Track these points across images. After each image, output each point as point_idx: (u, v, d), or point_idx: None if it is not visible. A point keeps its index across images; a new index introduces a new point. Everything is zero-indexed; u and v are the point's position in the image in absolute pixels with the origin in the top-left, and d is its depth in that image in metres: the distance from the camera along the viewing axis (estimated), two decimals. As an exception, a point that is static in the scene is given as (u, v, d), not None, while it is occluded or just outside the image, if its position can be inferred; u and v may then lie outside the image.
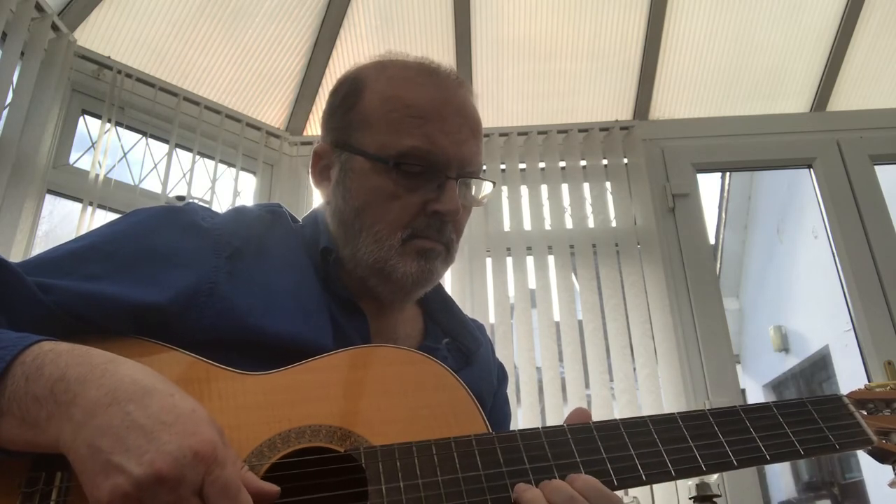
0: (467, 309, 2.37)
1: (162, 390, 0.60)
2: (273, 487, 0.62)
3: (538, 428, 0.72)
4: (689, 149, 2.70)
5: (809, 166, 2.71)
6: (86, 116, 2.26)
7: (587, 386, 2.35)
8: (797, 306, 6.40)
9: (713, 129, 2.76)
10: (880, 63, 2.77)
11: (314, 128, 2.77)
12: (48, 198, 2.10)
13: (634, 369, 2.36)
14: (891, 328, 2.37)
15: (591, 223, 2.60)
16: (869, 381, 0.84)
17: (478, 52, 2.70)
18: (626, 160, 2.67)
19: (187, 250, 0.78)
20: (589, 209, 2.63)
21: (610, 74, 2.77)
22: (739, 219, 7.54)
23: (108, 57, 2.27)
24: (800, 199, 5.96)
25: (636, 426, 0.74)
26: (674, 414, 0.75)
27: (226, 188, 2.48)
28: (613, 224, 2.59)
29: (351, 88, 0.90)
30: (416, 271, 0.84)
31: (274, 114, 2.72)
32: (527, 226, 2.58)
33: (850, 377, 4.82)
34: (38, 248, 2.02)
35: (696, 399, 2.30)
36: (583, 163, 2.67)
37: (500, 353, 2.07)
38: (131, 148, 2.35)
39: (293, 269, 0.85)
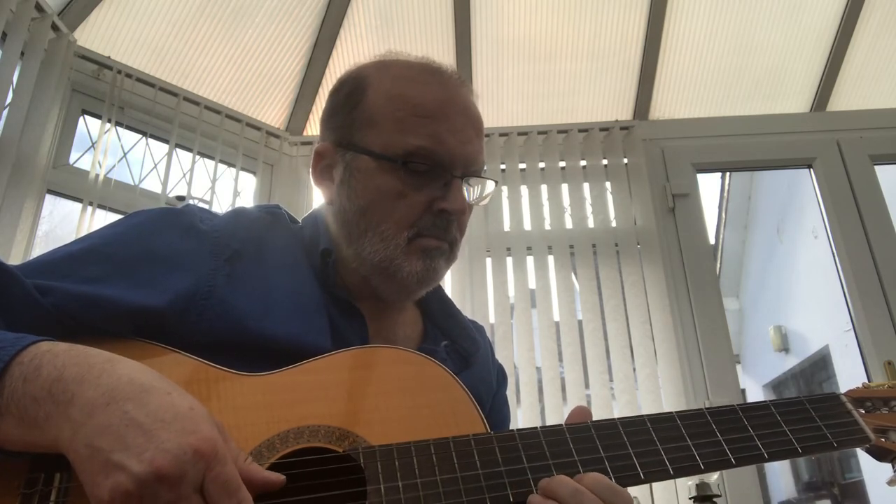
0: (467, 309, 2.37)
1: (160, 388, 0.60)
2: (278, 476, 0.62)
3: (536, 427, 0.73)
4: (689, 149, 2.70)
5: (809, 166, 2.71)
6: (86, 116, 2.26)
7: (587, 386, 2.35)
8: (797, 306, 6.40)
9: (713, 129, 2.76)
10: (880, 63, 2.77)
11: (314, 128, 2.77)
12: (48, 198, 2.10)
13: (634, 369, 2.36)
14: (891, 328, 2.37)
15: (590, 223, 2.60)
16: (869, 381, 0.84)
17: (478, 52, 2.70)
18: (626, 160, 2.67)
19: (186, 253, 0.79)
20: (589, 209, 2.63)
21: (610, 74, 2.77)
22: (739, 219, 7.54)
23: (108, 57, 2.27)
24: (800, 199, 5.96)
25: (634, 425, 0.74)
26: (672, 413, 0.76)
27: (226, 188, 2.49)
28: (613, 224, 2.59)
29: (354, 87, 0.89)
30: (421, 270, 0.84)
31: (274, 114, 2.72)
32: (527, 226, 2.58)
33: (850, 377, 4.81)
34: (38, 248, 2.02)
35: (696, 399, 2.30)
36: (583, 163, 2.67)
37: (500, 354, 2.07)
38: (131, 148, 2.35)
39: (292, 271, 0.85)
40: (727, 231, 7.61)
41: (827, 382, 6.26)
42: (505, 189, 2.63)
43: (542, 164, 2.67)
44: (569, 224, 2.60)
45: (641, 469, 0.70)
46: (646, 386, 2.33)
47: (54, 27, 2.10)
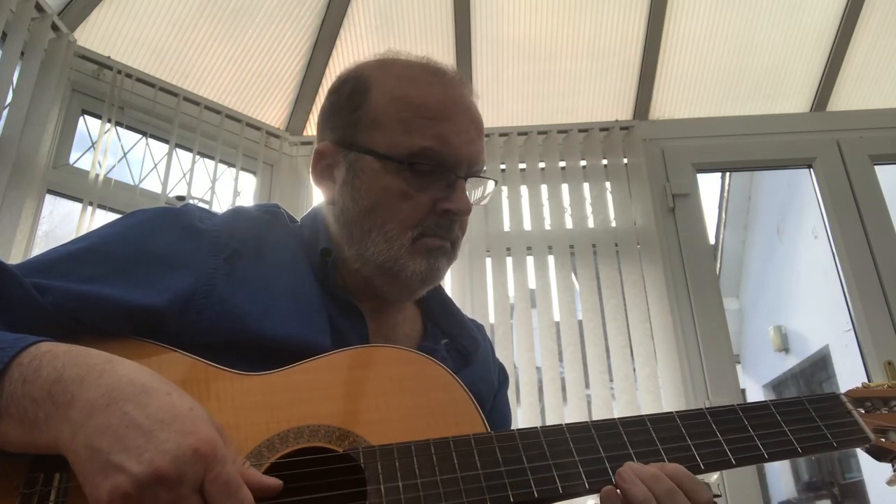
0: (467, 309, 2.37)
1: (159, 389, 0.60)
2: (276, 482, 0.62)
3: (536, 427, 0.73)
4: (689, 149, 2.70)
5: (809, 166, 2.71)
6: (86, 116, 2.26)
7: (587, 386, 2.35)
8: (797, 306, 6.40)
9: (713, 129, 2.76)
10: (880, 63, 2.77)
11: (314, 128, 2.76)
12: (48, 198, 2.10)
13: (634, 369, 2.36)
14: (891, 328, 2.37)
15: (590, 223, 2.60)
16: (869, 381, 0.84)
17: (478, 52, 2.70)
18: (625, 160, 2.67)
19: (185, 252, 0.78)
20: (589, 209, 2.63)
21: (610, 74, 2.77)
22: (739, 219, 7.54)
23: (108, 57, 2.27)
24: (800, 199, 5.96)
25: (634, 425, 0.74)
26: (672, 413, 0.76)
27: (226, 188, 2.49)
28: (613, 224, 2.59)
29: (356, 87, 0.89)
30: (424, 269, 0.84)
31: (274, 114, 2.72)
32: (527, 226, 2.58)
33: (850, 377, 4.81)
34: (38, 247, 2.02)
35: (695, 399, 2.30)
36: (583, 163, 2.67)
37: (500, 353, 2.07)
38: (131, 148, 2.35)
39: (291, 270, 0.85)
40: (727, 231, 7.61)
41: (827, 382, 6.26)
42: (505, 189, 2.63)
43: (542, 164, 2.67)
44: (569, 224, 2.60)
45: (641, 469, 0.70)
46: (646, 386, 2.33)
47: (54, 27, 2.10)
